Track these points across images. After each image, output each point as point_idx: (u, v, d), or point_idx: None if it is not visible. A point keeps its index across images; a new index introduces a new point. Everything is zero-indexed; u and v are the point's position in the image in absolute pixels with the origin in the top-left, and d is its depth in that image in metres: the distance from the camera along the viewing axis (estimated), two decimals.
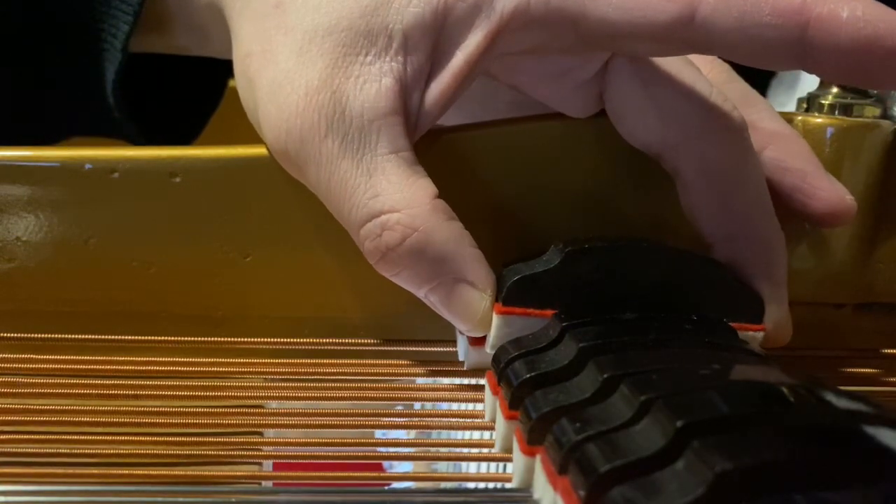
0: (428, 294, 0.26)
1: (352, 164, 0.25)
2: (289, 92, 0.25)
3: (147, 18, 0.33)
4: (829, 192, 0.28)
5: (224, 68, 0.36)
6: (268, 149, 0.27)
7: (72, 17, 0.33)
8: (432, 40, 0.25)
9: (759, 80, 0.51)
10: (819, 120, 0.30)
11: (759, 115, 0.29)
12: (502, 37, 0.25)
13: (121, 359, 0.28)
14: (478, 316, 0.25)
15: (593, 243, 0.26)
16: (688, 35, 0.23)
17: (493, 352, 0.25)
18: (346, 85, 0.25)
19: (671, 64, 0.26)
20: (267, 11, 0.26)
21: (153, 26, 0.33)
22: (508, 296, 0.25)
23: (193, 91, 0.39)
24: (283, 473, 0.23)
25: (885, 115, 0.31)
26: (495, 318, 0.26)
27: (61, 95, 0.36)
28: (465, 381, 0.27)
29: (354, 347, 0.30)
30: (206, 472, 0.22)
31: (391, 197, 0.25)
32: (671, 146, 0.26)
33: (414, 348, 0.29)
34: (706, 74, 0.27)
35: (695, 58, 0.28)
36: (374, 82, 0.25)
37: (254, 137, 0.28)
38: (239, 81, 0.28)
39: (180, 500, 0.21)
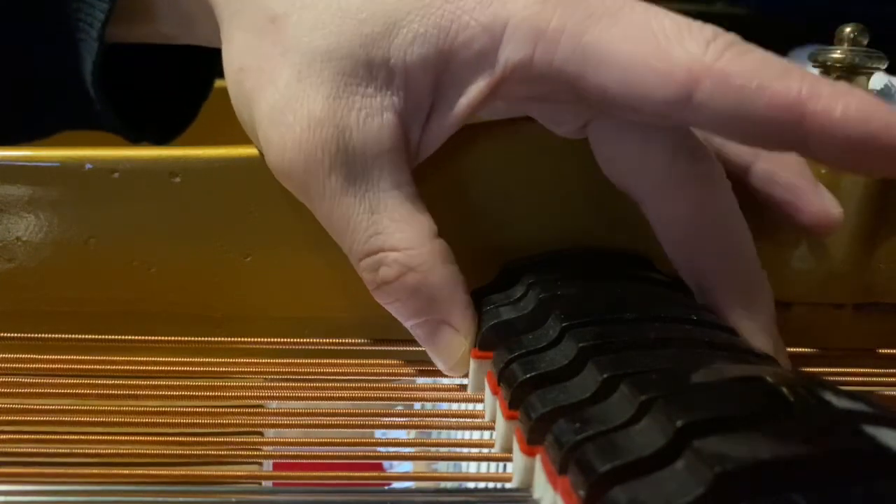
0: (414, 327, 0.27)
1: (355, 199, 0.25)
2: (291, 122, 0.25)
3: (128, 4, 0.32)
4: (817, 206, 0.28)
5: (211, 57, 0.36)
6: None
7: (50, 6, 0.33)
8: (434, 81, 0.25)
9: None
10: None
11: None
12: (503, 86, 0.25)
13: (121, 359, 0.28)
14: (456, 358, 0.27)
15: (567, 287, 0.26)
16: (682, 115, 0.23)
17: (473, 393, 0.26)
18: (348, 118, 0.25)
19: None
20: (262, 25, 0.26)
21: (136, 13, 0.33)
22: (484, 341, 0.26)
23: (181, 81, 0.38)
24: (283, 473, 0.23)
25: None
26: (472, 362, 0.26)
27: (45, 87, 0.36)
28: (465, 381, 0.27)
29: (354, 347, 0.30)
30: (206, 472, 0.22)
31: (392, 236, 0.25)
32: (640, 199, 0.27)
33: (414, 348, 0.29)
34: None
35: None
36: (377, 116, 0.25)
37: None
38: (232, 91, 0.28)
39: (180, 500, 0.21)
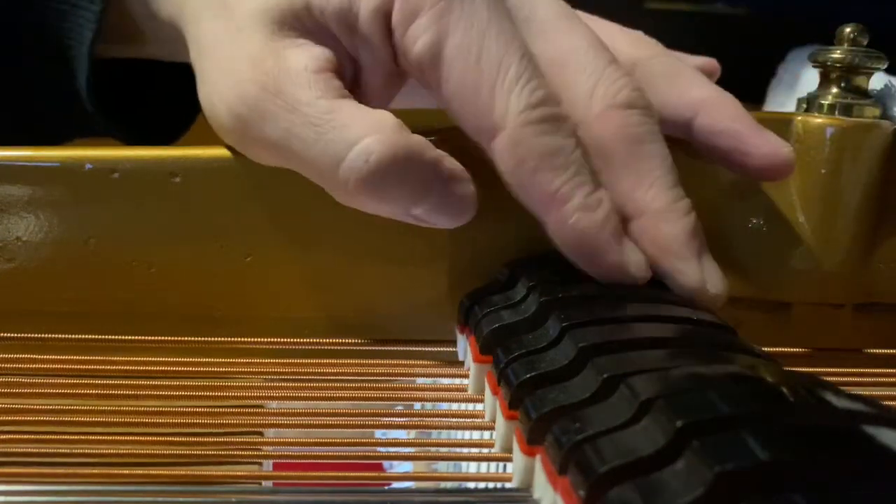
0: (422, 203, 0.26)
1: (310, 108, 0.26)
2: (236, 67, 0.27)
3: (113, 29, 0.33)
4: (764, 146, 0.29)
5: None
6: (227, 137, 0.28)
7: (43, 23, 0.34)
8: (349, 30, 0.27)
9: (759, 79, 0.52)
10: (819, 120, 0.30)
11: (686, 84, 0.30)
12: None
13: (121, 359, 0.28)
14: (471, 203, 0.27)
15: (567, 288, 0.26)
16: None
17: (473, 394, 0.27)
18: (285, 51, 0.27)
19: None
20: (217, 12, 0.28)
21: (122, 37, 0.34)
22: (485, 345, 0.26)
23: (180, 85, 0.39)
24: (283, 473, 0.23)
25: (885, 116, 0.31)
26: (474, 366, 0.26)
27: (46, 101, 0.36)
28: (465, 381, 0.27)
29: (354, 347, 0.30)
30: (206, 472, 0.22)
31: (362, 122, 0.25)
32: None
33: (414, 348, 0.29)
34: (629, 53, 0.29)
35: (620, 37, 0.31)
36: (310, 48, 0.27)
37: None
38: (198, 84, 0.29)
39: (180, 500, 0.21)
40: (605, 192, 0.26)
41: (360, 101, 0.26)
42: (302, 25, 0.27)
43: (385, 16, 0.26)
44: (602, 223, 0.25)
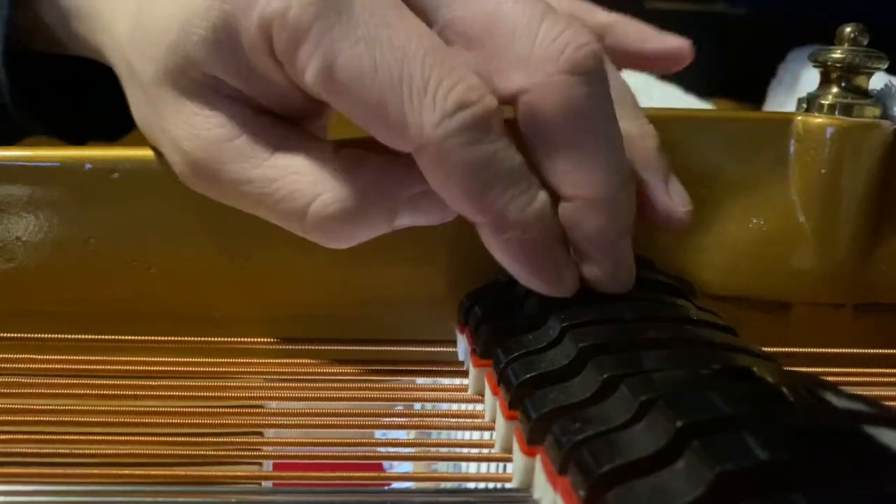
0: (399, 220, 0.25)
1: (251, 185, 0.25)
2: (169, 143, 0.26)
3: (30, 28, 0.31)
4: (660, 205, 0.28)
5: None
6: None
7: None
8: (245, 77, 0.25)
9: (759, 79, 0.52)
10: (819, 120, 0.30)
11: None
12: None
13: (121, 359, 0.28)
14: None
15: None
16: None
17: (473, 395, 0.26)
18: (194, 118, 0.25)
19: None
20: (128, 74, 0.27)
21: (43, 40, 0.32)
22: (485, 350, 0.25)
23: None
24: (283, 473, 0.23)
25: (885, 116, 0.31)
26: (473, 370, 0.26)
27: None
28: (465, 381, 0.27)
29: (354, 347, 0.30)
30: (206, 472, 0.22)
31: (305, 182, 0.24)
32: None
33: (414, 348, 0.29)
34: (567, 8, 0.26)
35: None
36: (217, 115, 0.25)
37: None
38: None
39: (180, 500, 0.21)
40: (544, 196, 0.24)
41: (291, 129, 0.26)
42: (199, 85, 0.25)
43: (271, 54, 0.24)
44: (540, 239, 0.24)
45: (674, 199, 0.28)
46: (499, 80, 0.24)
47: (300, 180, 0.24)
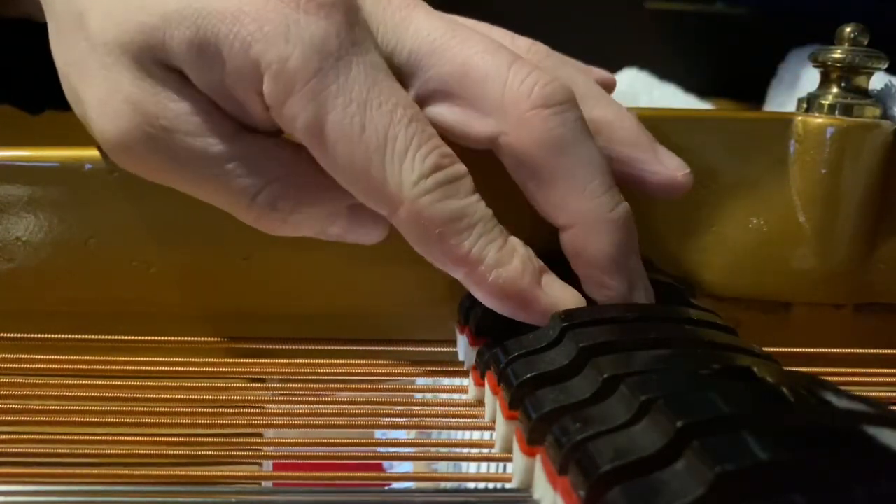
0: (334, 225, 0.27)
1: (205, 163, 0.25)
2: (118, 109, 0.25)
3: None
4: (659, 173, 0.28)
5: None
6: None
7: None
8: (209, 76, 0.25)
9: (759, 79, 0.52)
10: (819, 120, 0.30)
11: (585, 104, 0.27)
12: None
13: (121, 359, 0.28)
14: (382, 226, 0.27)
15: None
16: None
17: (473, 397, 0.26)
18: (156, 98, 0.25)
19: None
20: (73, 21, 0.26)
21: None
22: (480, 328, 0.26)
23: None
24: (283, 473, 0.23)
25: (885, 116, 0.31)
26: (470, 350, 0.27)
27: None
28: (465, 381, 0.27)
29: (354, 347, 0.30)
30: (206, 472, 0.22)
31: (261, 168, 0.26)
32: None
33: (414, 348, 0.29)
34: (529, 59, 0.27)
35: (517, 40, 0.29)
36: (173, 101, 0.25)
37: None
38: (63, 86, 0.27)
39: (180, 500, 0.21)
40: (516, 240, 0.25)
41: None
42: (163, 69, 0.25)
43: (259, 93, 0.24)
44: (521, 272, 0.25)
45: (667, 165, 0.28)
46: (477, 125, 0.26)
47: (251, 170, 0.25)
